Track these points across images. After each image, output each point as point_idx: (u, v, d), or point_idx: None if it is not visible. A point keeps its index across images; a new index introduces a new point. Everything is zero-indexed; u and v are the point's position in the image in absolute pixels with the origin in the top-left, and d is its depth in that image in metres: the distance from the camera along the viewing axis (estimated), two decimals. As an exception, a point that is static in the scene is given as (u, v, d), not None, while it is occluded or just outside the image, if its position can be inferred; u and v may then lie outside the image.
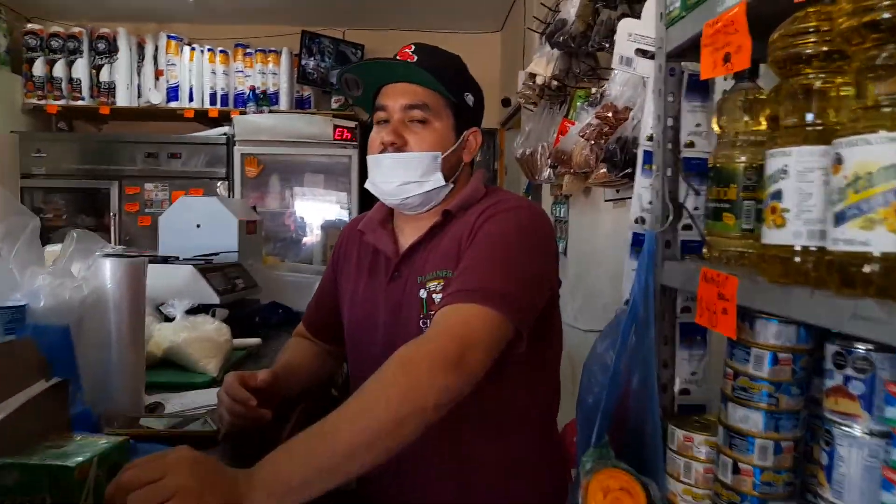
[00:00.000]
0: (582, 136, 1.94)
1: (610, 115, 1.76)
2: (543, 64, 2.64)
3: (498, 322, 0.99)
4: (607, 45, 1.90)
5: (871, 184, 0.54)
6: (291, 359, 1.33)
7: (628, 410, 1.07)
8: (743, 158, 0.91)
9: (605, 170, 1.80)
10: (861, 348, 0.70)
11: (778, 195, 0.69)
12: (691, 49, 0.94)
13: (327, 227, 4.78)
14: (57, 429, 0.89)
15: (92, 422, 1.04)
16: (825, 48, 0.65)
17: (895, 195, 0.53)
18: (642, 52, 1.09)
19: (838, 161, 0.59)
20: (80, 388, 1.07)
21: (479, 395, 0.98)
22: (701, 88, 1.01)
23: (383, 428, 0.86)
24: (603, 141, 1.82)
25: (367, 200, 4.55)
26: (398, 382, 0.89)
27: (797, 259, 0.68)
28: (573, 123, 2.36)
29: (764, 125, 0.87)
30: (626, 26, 1.05)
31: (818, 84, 0.66)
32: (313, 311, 1.42)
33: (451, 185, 1.21)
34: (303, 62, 4.79)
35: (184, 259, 1.96)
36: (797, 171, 0.66)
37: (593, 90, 2.36)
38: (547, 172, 2.65)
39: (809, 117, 0.67)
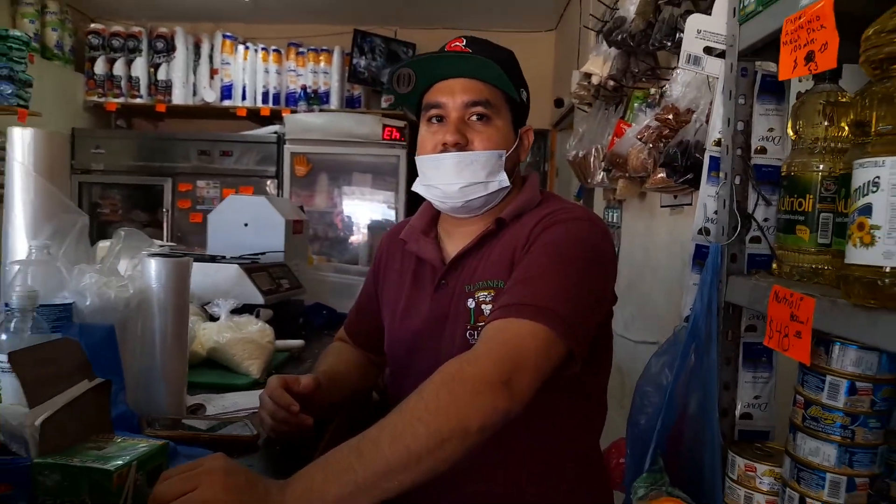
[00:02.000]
0: (639, 139, 1.86)
1: (671, 117, 1.68)
2: (600, 63, 2.56)
3: (552, 341, 0.92)
4: (669, 44, 1.81)
5: None
6: (335, 366, 1.30)
7: (684, 434, 1.00)
8: (821, 167, 0.84)
9: (663, 174, 1.72)
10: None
11: (867, 210, 0.62)
12: (766, 48, 0.87)
13: (374, 227, 4.79)
14: (98, 429, 0.89)
15: (133, 422, 1.04)
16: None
17: None
18: (709, 50, 1.01)
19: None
20: (123, 389, 1.06)
21: (526, 422, 0.92)
22: (775, 90, 0.93)
23: (424, 448, 0.81)
24: (662, 144, 1.75)
25: (414, 201, 4.55)
26: (441, 401, 0.84)
27: (886, 281, 0.61)
28: (630, 125, 2.28)
29: (847, 131, 0.80)
30: (694, 22, 0.98)
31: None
32: (354, 319, 1.38)
33: (510, 186, 1.16)
34: (354, 61, 4.81)
35: (230, 258, 1.96)
36: (891, 184, 0.59)
37: (652, 91, 2.27)
38: (600, 176, 2.57)
39: (907, 124, 0.60)
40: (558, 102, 4.24)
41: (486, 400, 0.84)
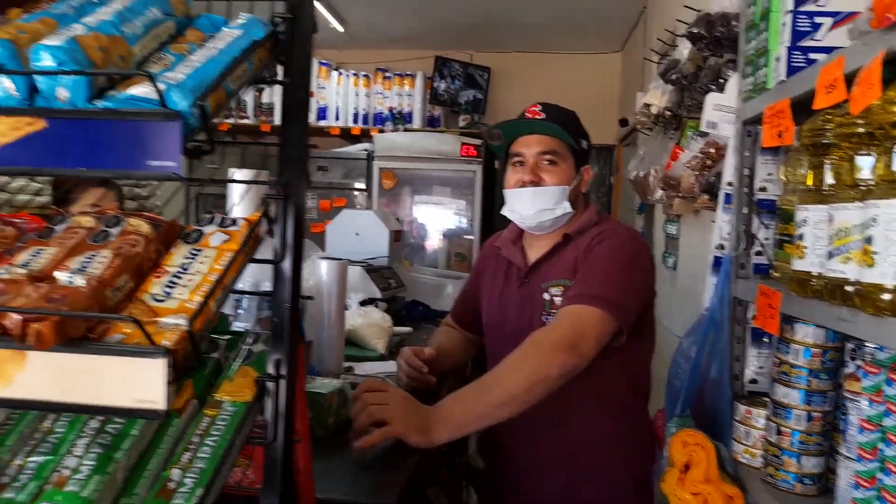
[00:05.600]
0: (688, 167, 2.23)
1: (712, 150, 2.04)
2: (658, 95, 2.92)
3: (605, 319, 1.35)
4: (713, 88, 2.17)
5: (848, 234, 0.85)
6: (444, 343, 1.75)
7: (706, 393, 1.39)
8: (798, 203, 1.21)
9: (707, 197, 2.08)
10: (870, 345, 0.99)
11: (801, 237, 1.00)
12: (760, 118, 1.25)
13: (450, 235, 5.23)
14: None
15: (314, 373, 1.51)
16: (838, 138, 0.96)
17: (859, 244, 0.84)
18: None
19: (830, 219, 0.90)
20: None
21: (590, 381, 1.35)
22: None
23: (521, 388, 1.25)
24: (706, 172, 2.11)
25: (488, 212, 4.99)
26: (532, 357, 1.28)
27: (814, 282, 0.99)
28: (683, 150, 2.63)
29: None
30: (712, 99, 1.37)
31: (829, 161, 0.97)
32: (459, 307, 1.83)
33: (573, 211, 1.58)
34: (435, 84, 5.29)
35: (352, 261, 2.44)
36: (813, 220, 0.98)
37: (703, 120, 2.62)
38: (659, 194, 2.92)
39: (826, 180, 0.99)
40: (623, 122, 4.58)
41: (561, 357, 1.27)
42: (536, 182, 1.53)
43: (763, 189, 1.33)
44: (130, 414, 0.60)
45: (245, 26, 0.71)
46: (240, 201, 1.47)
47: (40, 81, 0.58)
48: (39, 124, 0.58)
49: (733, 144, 1.35)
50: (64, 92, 0.57)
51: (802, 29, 1.04)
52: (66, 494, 0.65)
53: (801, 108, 1.03)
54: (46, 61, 0.56)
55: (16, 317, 0.58)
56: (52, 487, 0.67)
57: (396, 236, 2.95)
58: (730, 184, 1.36)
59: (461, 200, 5.19)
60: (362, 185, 5.06)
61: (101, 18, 0.61)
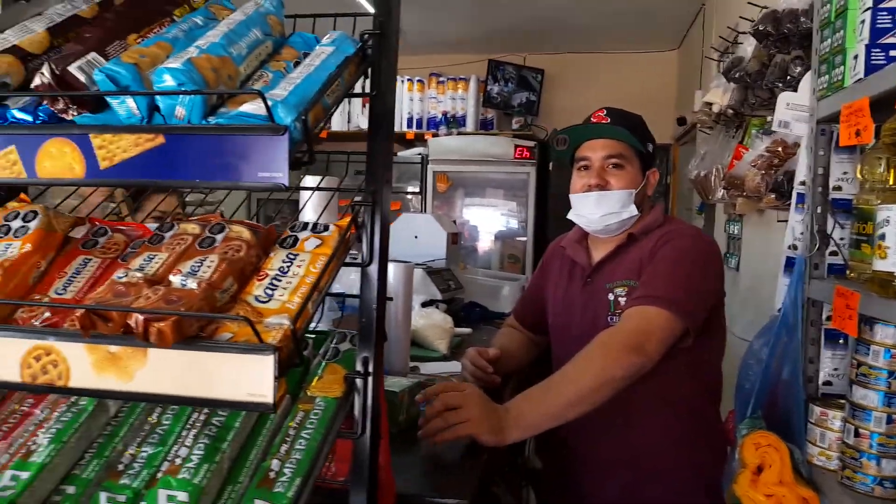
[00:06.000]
0: (754, 166, 2.19)
1: (780, 149, 2.01)
2: (720, 94, 2.87)
3: (670, 320, 1.35)
4: (780, 85, 2.12)
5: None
6: (507, 344, 1.77)
7: (778, 396, 1.37)
8: (878, 202, 1.19)
9: (773, 196, 2.04)
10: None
11: (882, 237, 0.99)
12: (836, 117, 1.23)
13: (502, 237, 5.25)
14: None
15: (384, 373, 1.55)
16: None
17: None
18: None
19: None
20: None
21: (654, 382, 1.35)
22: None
23: (588, 389, 1.27)
24: (773, 171, 2.07)
25: (541, 214, 4.98)
26: (599, 358, 1.30)
27: (894, 283, 0.97)
28: (747, 149, 2.58)
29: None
30: (784, 98, 1.35)
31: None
32: (522, 307, 1.85)
33: (638, 214, 1.57)
34: (488, 87, 5.32)
35: (414, 264, 2.48)
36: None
37: (768, 118, 2.56)
38: (721, 193, 2.87)
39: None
40: (681, 121, 4.50)
41: (626, 357, 1.28)
42: (602, 186, 1.54)
43: (838, 188, 1.31)
44: (242, 407, 0.65)
45: (336, 42, 0.75)
46: (315, 207, 1.53)
47: (160, 101, 0.63)
48: (159, 140, 0.63)
49: (806, 143, 1.33)
50: (181, 110, 0.62)
51: (883, 26, 1.03)
52: (179, 481, 0.70)
53: (880, 106, 1.01)
54: (168, 82, 0.61)
55: (139, 317, 0.63)
56: (166, 475, 0.72)
57: (453, 239, 2.99)
58: (803, 183, 1.34)
59: (512, 202, 5.20)
60: (416, 189, 5.13)
61: (211, 41, 0.66)
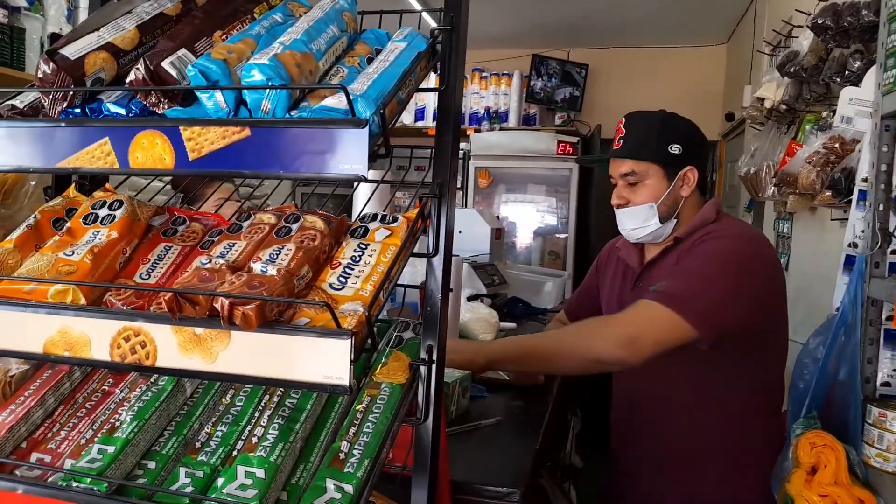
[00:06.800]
0: (809, 163, 2.14)
1: (837, 146, 1.96)
2: (773, 89, 2.81)
3: (675, 323, 1.33)
4: (838, 80, 2.08)
5: None
6: None
7: (834, 396, 1.35)
8: (944, 200, 1.16)
9: (829, 194, 2.00)
10: None
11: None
12: (902, 113, 1.20)
13: (543, 234, 5.23)
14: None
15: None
16: None
17: None
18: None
19: None
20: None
21: (702, 387, 1.35)
22: (913, 141, 1.26)
23: (563, 355, 1.39)
24: (830, 168, 2.02)
25: (583, 211, 4.94)
26: (588, 337, 1.39)
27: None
28: (801, 146, 2.52)
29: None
30: (847, 93, 1.33)
31: None
32: (575, 302, 1.86)
33: (675, 220, 1.56)
34: (531, 83, 5.30)
35: (462, 258, 2.51)
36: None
37: (824, 114, 2.50)
38: (771, 191, 2.82)
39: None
40: (729, 116, 4.42)
41: (612, 348, 1.33)
42: (622, 204, 1.57)
43: (901, 186, 1.28)
44: (319, 388, 0.68)
45: (408, 38, 0.78)
46: (368, 199, 1.57)
47: (247, 95, 0.66)
48: (245, 132, 0.66)
49: (869, 139, 1.30)
50: (267, 104, 0.65)
51: (955, 20, 1.00)
52: (257, 458, 0.74)
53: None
54: (256, 77, 0.64)
55: (224, 301, 0.66)
56: (243, 452, 0.76)
57: (497, 234, 3.00)
58: (865, 180, 1.31)
59: (553, 198, 5.17)
60: (458, 184, 5.14)
61: (293, 37, 0.69)
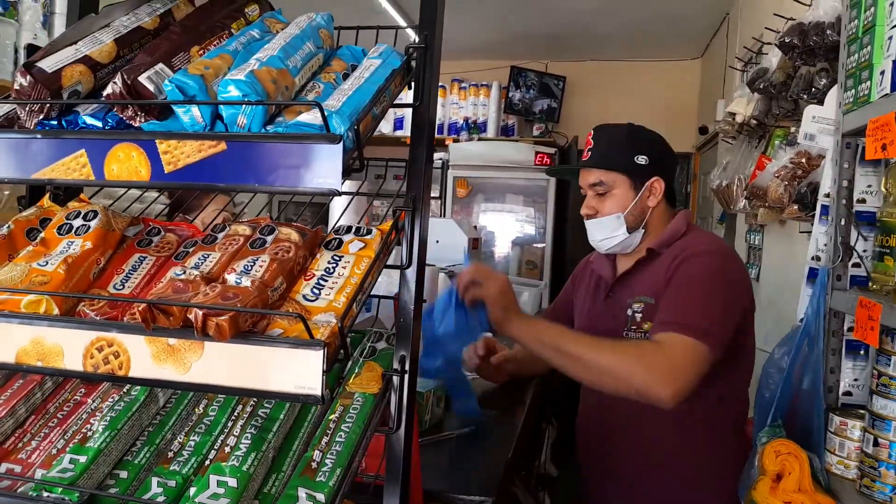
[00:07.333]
0: (777, 177, 2.20)
1: (804, 160, 2.02)
2: (744, 104, 2.88)
3: (706, 355, 1.31)
4: (805, 97, 2.14)
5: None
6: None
7: (798, 405, 1.39)
8: (901, 216, 1.20)
9: (796, 207, 2.05)
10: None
11: (907, 250, 1.01)
12: (862, 131, 1.25)
13: (520, 243, 5.27)
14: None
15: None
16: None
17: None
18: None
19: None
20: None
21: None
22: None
23: (598, 366, 1.32)
24: (797, 182, 2.08)
25: (560, 221, 4.99)
26: (635, 361, 1.31)
27: (920, 294, 0.99)
28: (770, 160, 2.59)
29: (916, 193, 1.17)
30: (810, 111, 1.38)
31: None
32: (551, 314, 1.88)
33: (643, 230, 1.58)
34: (510, 94, 5.35)
35: (438, 268, 2.52)
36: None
37: (792, 129, 2.57)
38: (742, 203, 2.88)
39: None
40: (703, 130, 4.51)
41: (657, 384, 1.27)
42: (591, 214, 1.59)
43: (862, 201, 1.32)
44: (292, 398, 0.69)
45: (383, 56, 0.80)
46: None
47: (223, 110, 0.67)
48: (221, 146, 0.67)
49: (831, 156, 1.35)
50: (243, 119, 0.66)
51: (909, 44, 1.05)
52: (230, 467, 0.75)
53: (906, 122, 1.03)
54: (233, 92, 0.66)
55: (198, 311, 0.67)
56: (216, 462, 0.76)
57: (474, 244, 3.02)
58: (827, 195, 1.36)
59: (531, 208, 5.22)
60: (436, 194, 5.17)
61: (270, 54, 0.71)
